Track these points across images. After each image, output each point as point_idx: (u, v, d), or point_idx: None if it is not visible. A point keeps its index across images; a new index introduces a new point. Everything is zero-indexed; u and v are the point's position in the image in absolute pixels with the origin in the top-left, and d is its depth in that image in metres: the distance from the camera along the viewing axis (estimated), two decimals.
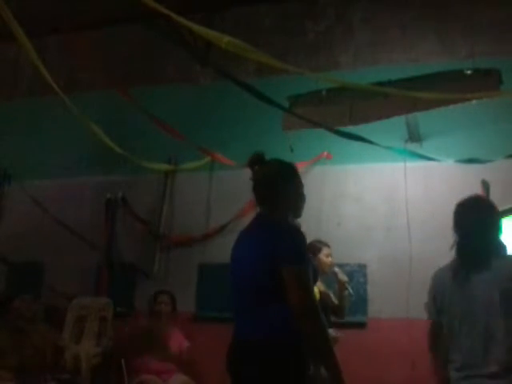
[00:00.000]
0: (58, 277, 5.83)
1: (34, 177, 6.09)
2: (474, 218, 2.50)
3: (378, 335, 4.98)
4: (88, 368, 4.75)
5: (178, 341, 4.83)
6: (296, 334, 2.10)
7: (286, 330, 2.12)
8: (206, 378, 4.79)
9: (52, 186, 6.21)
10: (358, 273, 5.14)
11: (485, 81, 3.72)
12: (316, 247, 3.84)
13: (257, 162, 2.40)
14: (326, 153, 5.30)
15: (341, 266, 4.15)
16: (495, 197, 4.78)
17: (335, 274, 3.86)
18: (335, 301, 3.90)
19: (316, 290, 3.28)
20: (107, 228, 5.86)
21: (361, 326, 4.98)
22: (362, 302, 5.04)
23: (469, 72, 3.75)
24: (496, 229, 2.50)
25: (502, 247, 2.47)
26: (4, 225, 6.16)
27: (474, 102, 3.55)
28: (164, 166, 5.70)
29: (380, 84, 3.77)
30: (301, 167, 5.17)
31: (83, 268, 5.80)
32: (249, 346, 2.19)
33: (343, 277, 3.86)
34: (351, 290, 3.90)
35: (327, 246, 3.94)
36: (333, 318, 3.83)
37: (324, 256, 3.86)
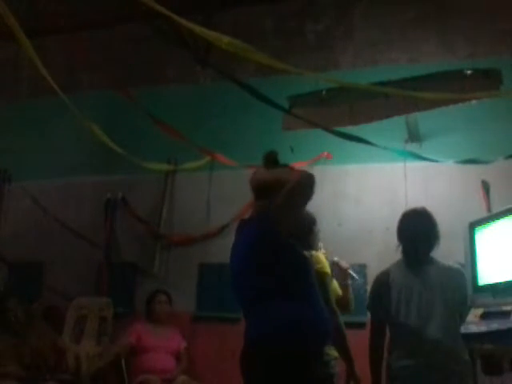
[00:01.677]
0: (58, 277, 5.83)
1: (34, 177, 6.09)
2: (417, 224, 2.93)
3: None
4: (88, 368, 4.76)
5: (176, 340, 4.83)
6: (295, 331, 2.09)
7: (285, 328, 2.10)
8: (206, 377, 4.80)
9: (52, 186, 6.21)
10: (357, 273, 5.12)
11: (485, 81, 3.72)
12: None
13: (273, 161, 2.43)
14: (325, 153, 5.30)
15: None
16: (495, 197, 4.80)
17: (336, 264, 3.77)
18: (339, 290, 3.86)
19: (321, 256, 3.23)
20: (107, 228, 5.86)
21: (361, 325, 4.98)
22: (362, 301, 5.03)
23: (469, 72, 3.75)
24: (434, 236, 2.91)
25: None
26: (4, 225, 6.16)
27: (473, 101, 3.55)
28: (164, 166, 5.70)
29: (380, 84, 3.77)
30: (301, 167, 5.21)
31: (83, 268, 5.80)
32: (249, 345, 2.19)
33: (344, 263, 3.80)
34: (355, 275, 3.88)
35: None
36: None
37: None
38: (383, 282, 2.89)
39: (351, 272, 3.83)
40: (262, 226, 2.20)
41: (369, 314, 3.06)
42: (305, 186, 2.22)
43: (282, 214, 2.18)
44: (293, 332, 2.10)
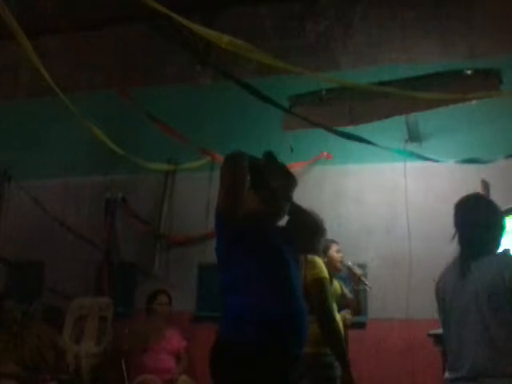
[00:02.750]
0: (58, 277, 5.83)
1: (34, 177, 6.09)
2: (474, 211, 2.52)
3: (377, 335, 4.98)
4: (88, 368, 4.76)
5: (176, 340, 4.84)
6: (254, 329, 2.03)
7: (244, 328, 2.05)
8: (206, 377, 4.80)
9: (52, 186, 6.21)
10: None
11: (485, 81, 3.72)
12: (324, 245, 3.78)
13: (273, 159, 2.43)
14: (325, 153, 5.30)
15: None
16: (495, 197, 4.78)
17: (350, 269, 3.81)
18: (351, 296, 3.88)
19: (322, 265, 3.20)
20: (107, 228, 5.86)
21: (361, 325, 4.98)
22: (362, 302, 5.03)
23: (469, 72, 3.75)
24: (495, 225, 2.48)
25: (496, 245, 2.45)
26: (4, 225, 6.16)
27: (473, 102, 3.55)
28: (164, 166, 5.70)
29: (380, 84, 3.76)
30: (301, 167, 5.21)
31: (83, 268, 5.80)
32: (214, 345, 2.17)
33: (358, 270, 3.83)
34: (367, 283, 3.88)
35: (335, 242, 3.83)
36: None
37: (334, 252, 3.75)
38: (439, 281, 2.54)
39: (364, 279, 3.85)
40: (215, 219, 2.21)
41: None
42: (226, 166, 2.21)
43: (220, 201, 2.17)
44: (255, 329, 2.03)
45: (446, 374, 2.41)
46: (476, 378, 2.21)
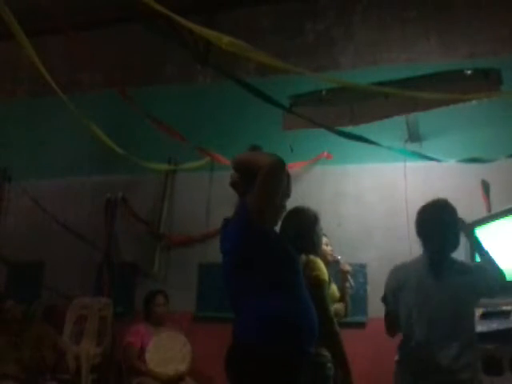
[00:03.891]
0: (58, 277, 5.82)
1: (34, 177, 6.09)
2: (436, 220, 2.70)
3: (377, 335, 4.97)
4: (88, 368, 4.76)
5: None
6: (278, 330, 2.06)
7: (265, 329, 2.07)
8: (206, 377, 4.80)
9: (52, 186, 6.21)
10: (358, 273, 5.11)
11: (485, 81, 3.73)
12: None
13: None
14: (325, 153, 5.30)
15: None
16: (495, 197, 4.80)
17: (337, 262, 3.68)
18: (337, 293, 3.79)
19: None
20: (107, 228, 5.85)
21: (361, 325, 4.98)
22: (362, 301, 5.03)
23: (469, 72, 3.75)
24: (452, 233, 2.69)
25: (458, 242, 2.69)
26: (4, 225, 6.16)
27: (473, 102, 3.55)
28: (164, 166, 5.70)
29: (380, 84, 3.77)
30: (301, 167, 5.21)
31: (83, 268, 5.79)
32: (233, 347, 2.18)
33: (346, 266, 3.68)
34: (352, 282, 3.72)
35: (323, 235, 3.67)
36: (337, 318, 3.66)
37: (324, 245, 3.59)
38: (399, 277, 2.69)
39: (349, 278, 3.69)
40: (242, 221, 2.17)
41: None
42: (278, 171, 2.14)
43: (260, 205, 2.12)
44: (276, 330, 2.06)
45: (403, 367, 2.59)
46: (445, 370, 2.43)
